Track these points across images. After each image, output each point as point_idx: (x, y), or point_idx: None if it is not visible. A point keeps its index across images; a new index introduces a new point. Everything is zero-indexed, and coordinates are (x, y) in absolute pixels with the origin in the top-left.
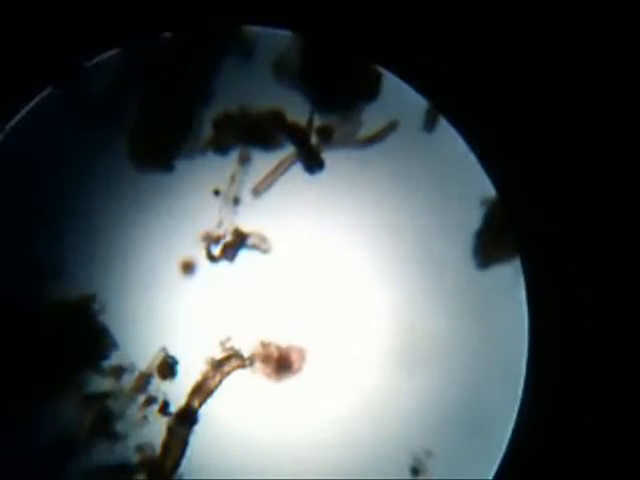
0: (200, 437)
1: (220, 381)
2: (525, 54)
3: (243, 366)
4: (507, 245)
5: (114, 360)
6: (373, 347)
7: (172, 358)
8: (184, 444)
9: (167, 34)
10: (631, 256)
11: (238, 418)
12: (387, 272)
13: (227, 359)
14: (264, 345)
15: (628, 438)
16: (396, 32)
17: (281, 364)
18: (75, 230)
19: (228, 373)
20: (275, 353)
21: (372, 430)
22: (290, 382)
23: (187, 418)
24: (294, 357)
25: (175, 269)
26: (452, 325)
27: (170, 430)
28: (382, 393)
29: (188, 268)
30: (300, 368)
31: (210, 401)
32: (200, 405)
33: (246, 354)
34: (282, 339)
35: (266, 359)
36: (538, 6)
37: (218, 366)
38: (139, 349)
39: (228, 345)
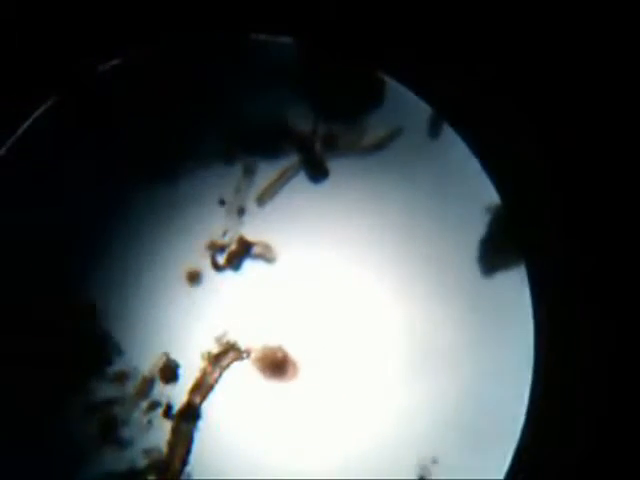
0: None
1: (219, 375)
2: (529, 60)
3: (240, 358)
4: (512, 252)
5: (118, 366)
6: (378, 355)
7: (174, 362)
8: (189, 441)
9: (169, 43)
10: (636, 260)
11: (239, 424)
12: (392, 280)
13: (224, 353)
14: (267, 350)
15: (634, 442)
16: (399, 39)
17: (281, 365)
18: (81, 239)
19: (226, 367)
20: (276, 356)
21: (378, 437)
22: (294, 389)
23: (190, 414)
24: (294, 360)
25: (181, 278)
26: (458, 332)
27: (174, 428)
28: (387, 400)
29: (194, 277)
30: (298, 369)
31: (211, 401)
32: (202, 401)
33: (243, 348)
34: (287, 346)
35: (267, 361)
36: (540, 13)
37: (216, 360)
38: (143, 355)
39: (224, 340)
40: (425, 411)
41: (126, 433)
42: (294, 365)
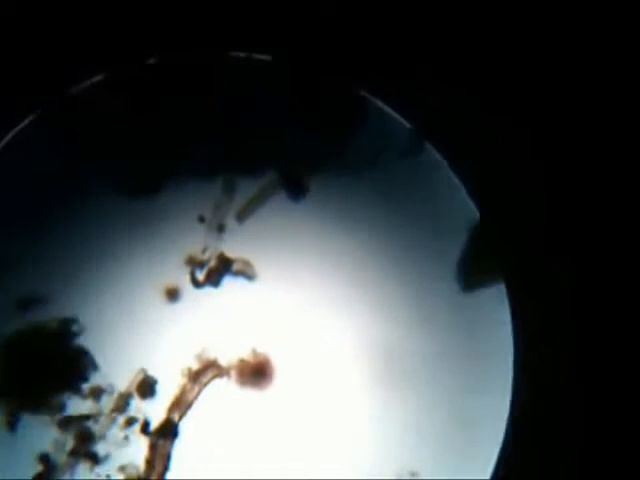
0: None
1: (199, 393)
2: (510, 80)
3: (220, 376)
4: (492, 268)
5: (94, 381)
6: (357, 369)
7: (152, 378)
8: (167, 458)
9: (153, 60)
10: (619, 277)
11: (216, 441)
12: (371, 296)
13: (204, 369)
14: (245, 363)
15: (617, 449)
16: (382, 58)
17: (257, 373)
18: (59, 253)
19: (206, 384)
20: (255, 366)
21: (355, 451)
22: (272, 406)
23: (168, 431)
24: (270, 368)
25: (159, 294)
26: (438, 347)
27: (152, 445)
28: (365, 415)
29: (172, 293)
30: (274, 375)
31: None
32: (180, 418)
33: (223, 366)
34: (266, 360)
35: (246, 371)
36: (521, 32)
37: (196, 377)
38: (121, 371)
39: (204, 357)
40: (403, 424)
41: (102, 448)
42: (272, 377)
